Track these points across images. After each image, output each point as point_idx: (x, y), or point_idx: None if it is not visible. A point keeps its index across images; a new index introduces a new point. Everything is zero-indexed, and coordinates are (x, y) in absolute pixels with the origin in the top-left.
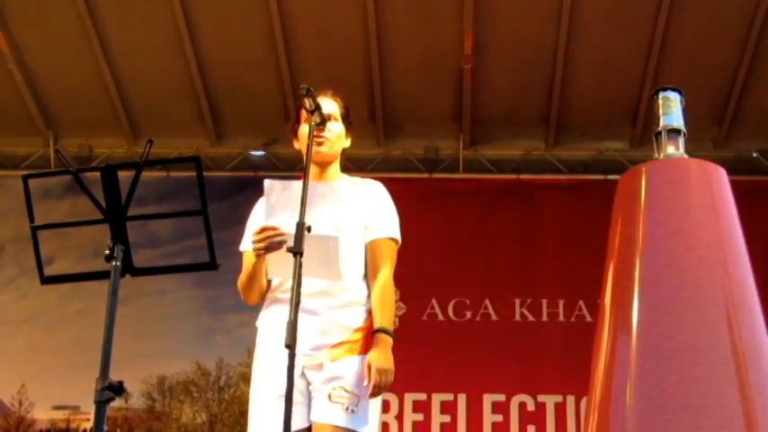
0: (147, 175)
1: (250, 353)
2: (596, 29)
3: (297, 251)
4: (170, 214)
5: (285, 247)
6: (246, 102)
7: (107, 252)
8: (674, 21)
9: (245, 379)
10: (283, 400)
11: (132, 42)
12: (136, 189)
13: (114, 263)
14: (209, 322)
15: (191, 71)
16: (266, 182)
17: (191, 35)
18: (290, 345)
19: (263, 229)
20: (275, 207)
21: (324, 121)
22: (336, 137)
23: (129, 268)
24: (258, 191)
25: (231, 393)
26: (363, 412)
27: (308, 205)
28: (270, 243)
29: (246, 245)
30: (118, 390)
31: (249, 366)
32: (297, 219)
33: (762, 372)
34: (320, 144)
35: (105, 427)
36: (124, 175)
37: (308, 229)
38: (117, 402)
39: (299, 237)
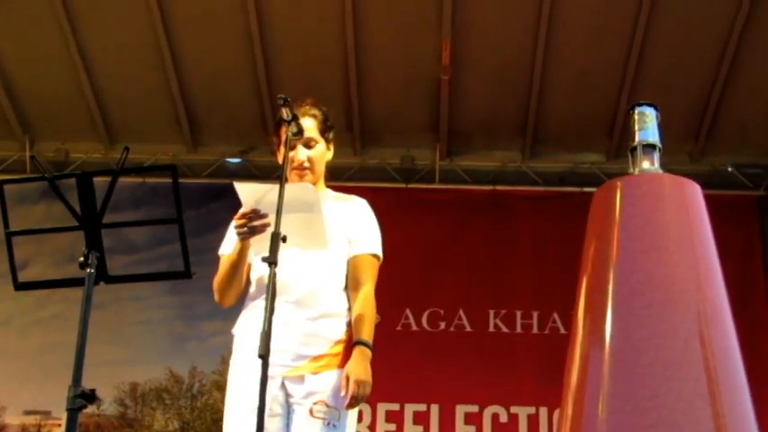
0: (123, 181)
1: (224, 360)
2: (574, 42)
3: (272, 261)
4: (145, 222)
5: (268, 229)
6: (224, 109)
7: (81, 259)
8: (651, 35)
9: (218, 387)
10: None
11: (110, 48)
12: (111, 196)
13: (88, 270)
14: (183, 329)
15: (168, 78)
16: (237, 185)
17: (169, 42)
18: (264, 355)
19: (244, 214)
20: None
21: (301, 131)
22: (318, 161)
23: (103, 276)
24: (234, 198)
25: (204, 401)
26: (343, 425)
27: (289, 209)
28: (253, 226)
29: (225, 248)
30: (90, 398)
31: (222, 374)
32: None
33: (733, 387)
34: (302, 177)
35: None
36: (100, 181)
37: (284, 239)
38: (89, 408)
39: (273, 247)
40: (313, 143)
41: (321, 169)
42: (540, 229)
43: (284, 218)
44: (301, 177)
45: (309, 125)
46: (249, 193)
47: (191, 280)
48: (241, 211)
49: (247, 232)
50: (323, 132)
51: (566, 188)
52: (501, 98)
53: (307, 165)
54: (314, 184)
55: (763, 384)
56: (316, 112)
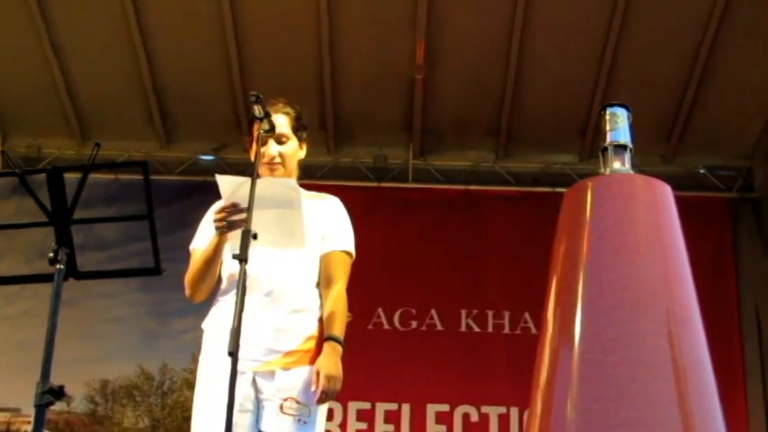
0: (94, 177)
1: (194, 358)
2: (548, 42)
3: (242, 258)
4: (116, 218)
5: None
6: (197, 106)
7: (51, 255)
8: (624, 36)
9: (189, 384)
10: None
11: (84, 44)
12: (81, 192)
13: (58, 266)
14: (154, 326)
15: (142, 74)
16: (219, 177)
17: (142, 38)
18: (233, 352)
19: (223, 208)
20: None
21: (272, 128)
22: (290, 157)
23: (72, 272)
24: (207, 195)
25: (174, 399)
26: (313, 421)
27: (269, 204)
28: (232, 220)
29: (197, 243)
30: (58, 394)
31: (193, 372)
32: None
33: (701, 387)
34: (273, 172)
35: (45, 431)
36: (72, 177)
37: (255, 236)
38: (59, 406)
39: (244, 244)
40: (284, 139)
41: (293, 166)
42: (512, 229)
43: (263, 213)
44: (272, 172)
45: (282, 122)
46: (229, 185)
47: (162, 277)
48: (221, 204)
49: (226, 226)
50: (295, 130)
51: (538, 188)
52: (474, 98)
53: (278, 160)
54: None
55: (732, 385)
56: (289, 110)
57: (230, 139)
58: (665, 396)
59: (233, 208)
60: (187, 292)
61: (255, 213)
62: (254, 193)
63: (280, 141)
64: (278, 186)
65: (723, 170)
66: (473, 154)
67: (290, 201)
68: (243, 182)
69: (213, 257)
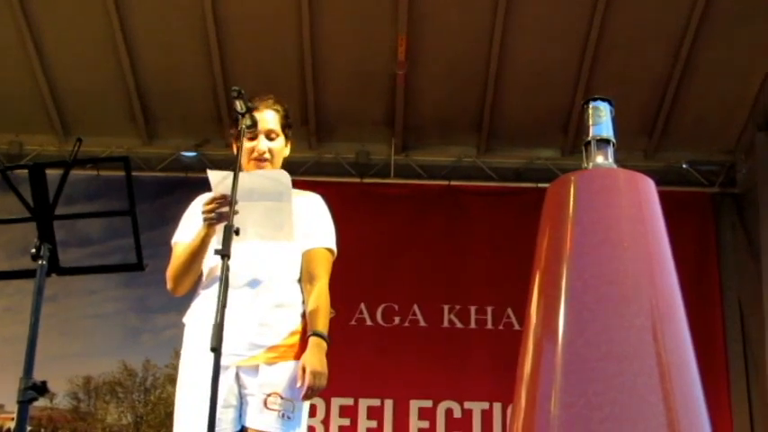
0: (77, 173)
1: (177, 354)
2: (530, 38)
3: (224, 254)
4: (97, 214)
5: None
6: (179, 102)
7: (33, 251)
8: (606, 32)
9: (172, 380)
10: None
11: (66, 41)
12: (63, 188)
13: (40, 262)
14: (137, 323)
15: (123, 70)
16: (210, 172)
17: (124, 34)
18: (216, 348)
19: (213, 199)
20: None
21: (254, 123)
22: (278, 153)
23: (55, 268)
24: (189, 191)
25: (157, 395)
26: (297, 417)
27: (260, 196)
28: (222, 212)
29: (181, 236)
30: (41, 389)
31: (176, 368)
32: (243, 196)
33: (686, 381)
34: (261, 167)
35: (29, 427)
36: (54, 174)
37: (236, 232)
38: (42, 402)
39: (226, 239)
40: (274, 135)
41: (279, 162)
42: (494, 224)
43: (253, 205)
44: (260, 167)
45: (271, 117)
46: (219, 178)
47: (145, 273)
48: (211, 195)
49: (215, 218)
50: (284, 127)
51: (521, 184)
52: (456, 94)
53: (267, 156)
54: None
55: (716, 379)
56: (278, 107)
57: (212, 136)
58: (650, 391)
59: (223, 199)
60: (169, 285)
61: (245, 206)
62: (237, 188)
63: (269, 137)
64: (269, 178)
65: (705, 165)
66: (455, 149)
67: (279, 193)
68: (232, 174)
69: (199, 250)
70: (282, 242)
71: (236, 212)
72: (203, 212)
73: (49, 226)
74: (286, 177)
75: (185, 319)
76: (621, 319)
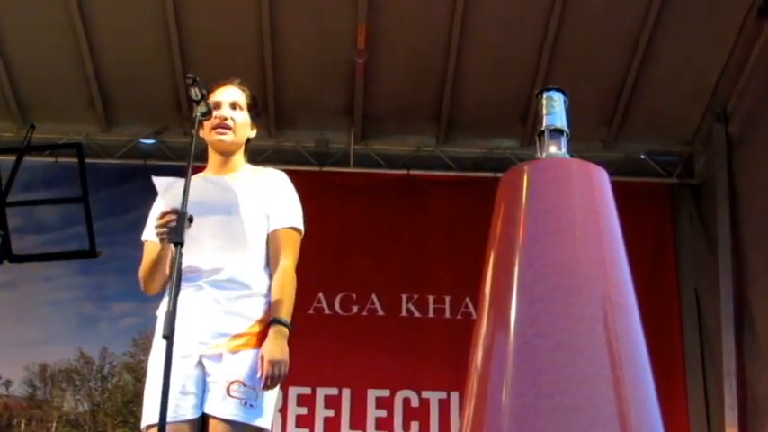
0: (34, 160)
1: (135, 342)
2: (489, 28)
3: (178, 241)
4: (50, 201)
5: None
6: (138, 89)
7: None
8: (566, 22)
9: (129, 368)
10: (175, 389)
11: (24, 26)
12: (17, 175)
13: None
14: (94, 310)
15: (83, 57)
16: (155, 179)
17: (83, 20)
18: (168, 335)
19: (164, 215)
20: (171, 202)
21: (209, 111)
22: (241, 125)
23: (7, 255)
24: (148, 179)
25: (114, 383)
26: (260, 405)
27: (209, 211)
28: (173, 227)
29: (147, 234)
30: None
31: (133, 356)
32: (194, 210)
33: (637, 371)
34: (223, 134)
35: None
36: (9, 160)
37: (190, 219)
38: None
39: (179, 228)
40: (238, 107)
41: (242, 136)
42: (453, 213)
43: (204, 220)
44: (222, 136)
45: (236, 93)
46: (166, 185)
47: (102, 260)
48: (161, 210)
49: (166, 233)
50: (249, 107)
51: (480, 173)
52: (416, 83)
53: (230, 123)
54: (234, 150)
55: (672, 370)
56: (245, 87)
57: (171, 123)
58: (601, 380)
59: (174, 215)
60: (141, 286)
61: (197, 221)
62: (190, 178)
63: (233, 107)
64: (214, 189)
65: (664, 156)
66: (414, 139)
67: (228, 207)
68: (180, 183)
69: (159, 262)
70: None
71: (189, 227)
72: (155, 228)
73: (1, 213)
74: (228, 185)
75: (158, 312)
76: (573, 309)
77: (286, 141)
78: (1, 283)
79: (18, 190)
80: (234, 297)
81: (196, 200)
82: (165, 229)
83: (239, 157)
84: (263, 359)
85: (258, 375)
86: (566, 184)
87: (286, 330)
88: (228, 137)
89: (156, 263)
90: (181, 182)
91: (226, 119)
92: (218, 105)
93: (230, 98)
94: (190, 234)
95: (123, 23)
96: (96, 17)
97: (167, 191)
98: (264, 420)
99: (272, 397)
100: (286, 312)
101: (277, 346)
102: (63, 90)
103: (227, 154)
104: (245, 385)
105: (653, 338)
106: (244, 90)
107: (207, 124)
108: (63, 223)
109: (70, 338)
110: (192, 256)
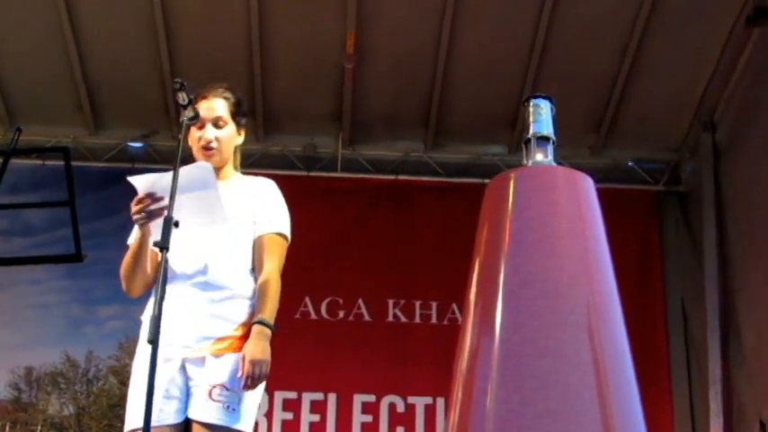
0: (22, 163)
1: (120, 346)
2: (478, 34)
3: (163, 246)
4: (36, 204)
5: (165, 213)
6: (126, 93)
7: None
8: (554, 29)
9: (115, 372)
10: (159, 393)
11: (12, 29)
12: (3, 178)
13: None
14: (80, 313)
15: (71, 60)
16: (132, 179)
17: (72, 24)
18: (153, 340)
19: (140, 200)
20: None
21: (197, 116)
22: (226, 142)
23: None
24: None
25: (100, 386)
26: (241, 409)
27: (185, 190)
28: (150, 210)
29: (131, 238)
30: None
31: (119, 359)
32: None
33: (620, 379)
34: (210, 157)
35: None
36: None
37: (176, 224)
38: None
39: (165, 232)
40: (222, 123)
41: (229, 151)
42: (441, 219)
43: (181, 198)
44: (208, 158)
45: (220, 105)
46: (143, 182)
47: (88, 264)
48: (137, 197)
49: (144, 217)
50: (234, 115)
51: (467, 179)
52: (405, 88)
53: (214, 144)
54: (221, 166)
55: (657, 377)
56: (228, 95)
57: (159, 126)
58: (584, 387)
59: (149, 198)
60: (123, 286)
61: (175, 201)
62: (177, 179)
63: (217, 125)
64: (192, 171)
65: (651, 163)
66: (402, 144)
67: (203, 181)
68: (157, 177)
69: (139, 251)
70: (221, 228)
71: (165, 207)
72: (132, 214)
73: None
74: (207, 166)
75: (142, 317)
76: (557, 316)
77: (274, 146)
78: None
79: (5, 192)
80: (218, 299)
81: (170, 184)
82: (142, 214)
83: (228, 166)
84: (244, 359)
85: (239, 375)
86: (551, 192)
87: (268, 331)
88: (215, 158)
89: (137, 253)
90: (158, 175)
91: (210, 141)
92: (202, 124)
93: (213, 115)
94: (175, 236)
95: (112, 27)
96: (85, 21)
97: (144, 188)
98: (246, 424)
99: (254, 400)
100: (269, 314)
101: (258, 347)
102: (51, 93)
103: (216, 169)
104: (227, 389)
105: (638, 345)
106: (227, 98)
107: (194, 132)
108: (50, 226)
109: (56, 342)
110: (176, 258)
